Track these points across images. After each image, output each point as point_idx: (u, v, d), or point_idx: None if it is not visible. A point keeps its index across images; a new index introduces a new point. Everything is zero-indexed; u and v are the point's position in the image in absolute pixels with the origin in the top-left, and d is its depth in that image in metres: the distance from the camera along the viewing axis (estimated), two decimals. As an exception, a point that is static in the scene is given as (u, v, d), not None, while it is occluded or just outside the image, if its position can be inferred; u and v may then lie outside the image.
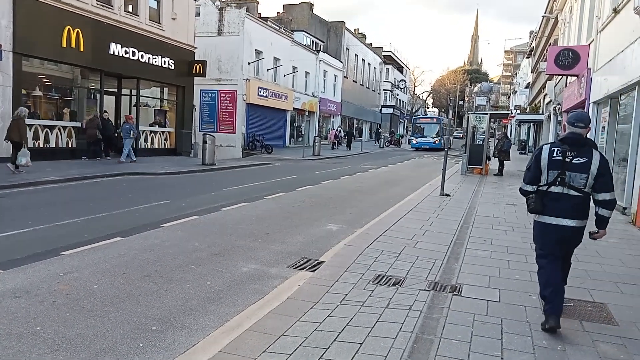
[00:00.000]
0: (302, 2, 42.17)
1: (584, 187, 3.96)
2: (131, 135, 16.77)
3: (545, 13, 30.66)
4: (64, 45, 15.21)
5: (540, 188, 4.09)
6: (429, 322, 3.99)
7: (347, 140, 36.55)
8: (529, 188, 4.16)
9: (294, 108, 33.81)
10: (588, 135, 4.11)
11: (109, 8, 16.92)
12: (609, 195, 3.99)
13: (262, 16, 33.23)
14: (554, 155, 4.01)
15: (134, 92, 19.45)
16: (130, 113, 19.13)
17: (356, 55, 47.84)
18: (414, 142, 40.38)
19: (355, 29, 51.71)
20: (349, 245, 6.47)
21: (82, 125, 16.63)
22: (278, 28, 31.87)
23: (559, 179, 3.99)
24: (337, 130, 38.51)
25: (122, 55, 17.68)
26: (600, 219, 4.11)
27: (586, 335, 3.86)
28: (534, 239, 4.32)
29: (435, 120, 43.68)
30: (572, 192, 3.98)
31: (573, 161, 3.96)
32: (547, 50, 24.50)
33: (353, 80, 47.31)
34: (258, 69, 28.61)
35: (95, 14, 16.31)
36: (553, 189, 4.03)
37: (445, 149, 13.24)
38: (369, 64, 52.72)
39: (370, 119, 54.57)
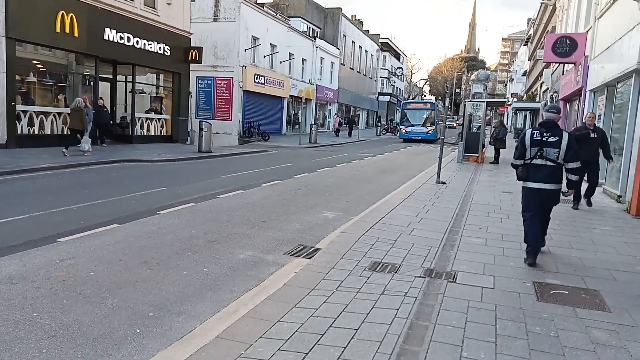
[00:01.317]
0: (299, -12, 41.71)
1: (557, 158, 5.33)
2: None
3: (543, 0, 30.50)
4: (58, 30, 15.04)
5: (526, 161, 5.47)
6: (424, 308, 4.03)
7: (349, 128, 37.35)
8: (518, 162, 5.56)
9: (290, 95, 33.66)
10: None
11: (103, -7, 16.71)
12: (575, 164, 5.40)
13: (258, 2, 32.85)
14: (534, 136, 5.43)
15: (130, 78, 19.31)
16: (125, 100, 19.00)
17: (353, 42, 47.51)
18: (403, 131, 34.46)
19: (352, 16, 51.28)
20: (345, 232, 6.49)
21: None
22: (274, 14, 31.57)
23: (539, 153, 5.38)
24: (339, 117, 39.16)
25: (117, 41, 17.51)
26: (569, 182, 5.56)
27: (579, 321, 3.91)
28: (521, 200, 5.69)
29: (428, 105, 37.03)
30: (549, 163, 5.36)
31: (548, 140, 5.35)
32: (544, 37, 24.42)
33: (350, 68, 47.05)
34: (254, 55, 28.41)
35: (89, -2, 16.11)
36: (535, 161, 5.41)
37: (442, 138, 13.23)
38: (366, 51, 52.41)
39: (367, 107, 54.42)
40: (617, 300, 4.40)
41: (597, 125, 9.52)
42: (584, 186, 9.31)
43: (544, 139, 5.36)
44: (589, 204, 9.14)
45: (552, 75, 25.47)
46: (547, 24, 31.47)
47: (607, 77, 11.84)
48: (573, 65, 16.93)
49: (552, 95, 24.41)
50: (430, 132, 33.17)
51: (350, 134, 36.46)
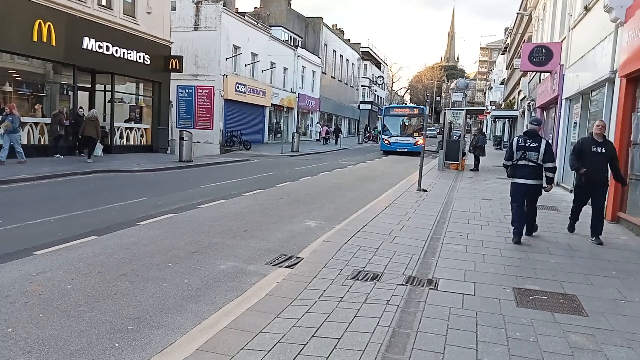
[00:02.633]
0: (279, -3, 41.89)
1: (537, 160, 6.72)
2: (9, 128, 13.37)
3: (519, 10, 31.18)
4: (35, 39, 14.81)
5: (513, 162, 6.89)
6: (406, 316, 4.04)
7: (335, 136, 38.12)
8: (508, 163, 7.01)
9: (272, 104, 33.69)
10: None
11: (81, 1, 16.51)
12: (552, 164, 6.84)
13: (239, 11, 32.94)
14: (519, 142, 6.87)
15: (109, 87, 19.06)
16: (104, 109, 18.76)
17: (334, 51, 47.84)
18: (385, 142, 28.50)
19: (333, 25, 51.69)
20: (328, 241, 6.49)
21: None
22: (255, 23, 31.64)
23: (523, 155, 6.80)
24: (327, 126, 39.91)
25: (96, 50, 17.31)
26: (548, 178, 6.97)
27: (558, 326, 3.97)
28: (510, 193, 7.10)
29: (416, 111, 30.46)
30: (530, 164, 6.76)
31: (530, 145, 6.77)
32: (521, 47, 24.94)
33: (331, 76, 47.33)
34: (236, 64, 28.38)
35: (67, 7, 15.90)
36: (520, 162, 6.83)
37: (422, 146, 13.35)
38: (347, 59, 52.80)
39: (348, 115, 54.70)
40: (593, 304, 4.49)
41: (606, 137, 7.49)
42: (586, 210, 7.54)
43: (527, 144, 6.79)
44: (598, 241, 7.01)
45: (529, 84, 25.99)
46: (523, 34, 32.16)
47: (581, 86, 12.14)
48: (549, 73, 17.32)
49: (529, 103, 24.89)
50: (418, 143, 26.39)
51: (337, 142, 37.03)
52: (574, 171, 7.40)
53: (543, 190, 6.96)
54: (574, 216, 7.71)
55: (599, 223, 7.14)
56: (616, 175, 7.28)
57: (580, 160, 7.20)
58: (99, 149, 16.28)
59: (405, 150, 27.47)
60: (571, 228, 7.77)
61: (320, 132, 40.83)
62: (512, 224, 6.89)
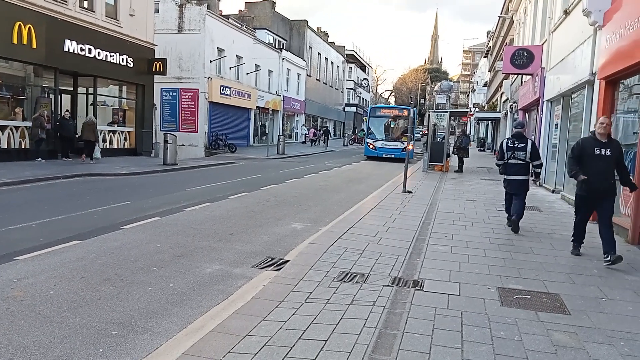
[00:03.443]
0: (264, 0, 41.86)
1: (525, 158, 7.73)
2: None
3: (501, 14, 31.60)
4: (15, 41, 14.57)
5: (504, 161, 7.88)
6: (392, 317, 4.06)
7: (325, 138, 38.31)
8: (500, 162, 8.02)
9: (257, 107, 33.59)
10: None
11: (62, 3, 16.31)
12: (538, 161, 7.91)
13: (223, 14, 32.84)
14: (509, 144, 7.86)
15: (91, 90, 18.84)
16: (87, 112, 18.53)
17: (319, 53, 47.94)
18: (370, 146, 25.51)
19: (317, 28, 51.81)
20: (314, 243, 6.50)
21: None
22: (240, 26, 31.56)
23: (512, 155, 7.76)
24: (314, 127, 40.17)
25: (78, 53, 17.10)
26: (536, 174, 8.47)
27: (541, 325, 4.02)
28: (503, 185, 8.22)
29: (405, 112, 25.77)
30: (519, 162, 7.75)
31: (518, 146, 7.76)
32: (503, 49, 25.26)
33: (316, 79, 47.40)
34: (220, 67, 28.27)
35: (48, 9, 15.69)
36: (510, 161, 7.80)
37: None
38: (332, 62, 52.96)
39: (334, 118, 54.82)
40: (576, 302, 4.56)
41: (612, 136, 6.18)
42: (591, 228, 6.46)
43: (515, 145, 7.78)
44: (614, 260, 5.69)
45: (511, 86, 26.34)
46: (505, 37, 32.59)
47: (562, 88, 12.35)
48: (531, 76, 17.58)
49: (511, 105, 25.22)
50: (407, 149, 22.41)
51: (326, 144, 37.30)
52: (572, 178, 6.42)
53: (533, 183, 8.39)
54: (579, 235, 6.33)
55: (610, 237, 5.80)
56: (624, 179, 6.12)
57: (580, 164, 6.03)
58: (97, 151, 17.27)
59: (393, 156, 24.58)
60: (576, 251, 6.36)
61: (306, 134, 41.13)
62: (506, 211, 8.20)
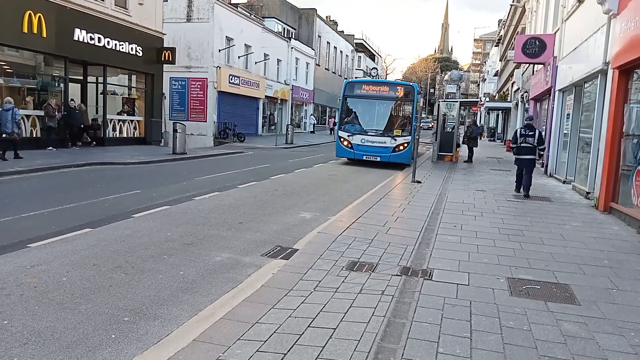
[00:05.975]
0: (273, -12, 41.54)
1: (533, 143, 10.47)
2: None
3: (513, 2, 31.15)
4: (25, 30, 14.62)
5: (518, 145, 10.64)
6: (400, 306, 4.07)
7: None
8: (514, 145, 10.80)
9: (266, 96, 33.53)
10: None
11: (72, -8, 16.34)
12: (542, 145, 11.11)
13: (232, 2, 32.65)
14: (521, 132, 10.66)
15: (101, 79, 18.91)
16: (96, 101, 18.64)
17: (328, 42, 47.61)
18: (345, 144, 16.59)
19: (327, 16, 51.37)
20: (323, 232, 6.51)
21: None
22: (249, 14, 31.40)
23: (524, 140, 10.52)
24: (334, 119, 40.78)
25: (88, 42, 17.13)
26: (540, 155, 11.38)
27: (551, 315, 4.01)
28: (514, 163, 11.08)
29: (401, 91, 16.86)
30: (529, 145, 10.51)
31: (528, 133, 10.51)
32: (514, 38, 24.94)
33: (325, 68, 47.12)
34: (229, 56, 28.21)
35: (57, -2, 15.73)
36: (522, 144, 10.56)
37: (417, 137, 13.35)
38: (341, 51, 52.58)
39: (342, 107, 54.48)
40: (586, 293, 4.54)
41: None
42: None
43: (526, 133, 10.55)
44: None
45: (522, 75, 26.03)
46: (517, 26, 32.16)
47: (575, 77, 12.18)
48: (542, 65, 17.36)
49: (522, 95, 24.96)
50: (402, 148, 16.07)
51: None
52: None
53: (536, 162, 11.02)
54: None
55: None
56: None
57: None
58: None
59: (378, 159, 16.26)
60: None
61: (327, 123, 42.68)
62: (516, 184, 11.06)
